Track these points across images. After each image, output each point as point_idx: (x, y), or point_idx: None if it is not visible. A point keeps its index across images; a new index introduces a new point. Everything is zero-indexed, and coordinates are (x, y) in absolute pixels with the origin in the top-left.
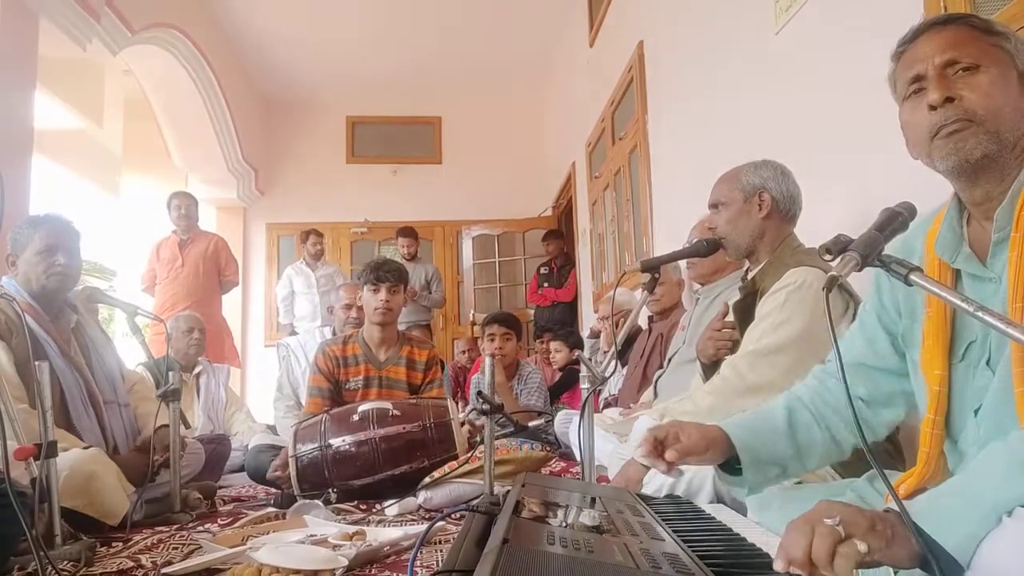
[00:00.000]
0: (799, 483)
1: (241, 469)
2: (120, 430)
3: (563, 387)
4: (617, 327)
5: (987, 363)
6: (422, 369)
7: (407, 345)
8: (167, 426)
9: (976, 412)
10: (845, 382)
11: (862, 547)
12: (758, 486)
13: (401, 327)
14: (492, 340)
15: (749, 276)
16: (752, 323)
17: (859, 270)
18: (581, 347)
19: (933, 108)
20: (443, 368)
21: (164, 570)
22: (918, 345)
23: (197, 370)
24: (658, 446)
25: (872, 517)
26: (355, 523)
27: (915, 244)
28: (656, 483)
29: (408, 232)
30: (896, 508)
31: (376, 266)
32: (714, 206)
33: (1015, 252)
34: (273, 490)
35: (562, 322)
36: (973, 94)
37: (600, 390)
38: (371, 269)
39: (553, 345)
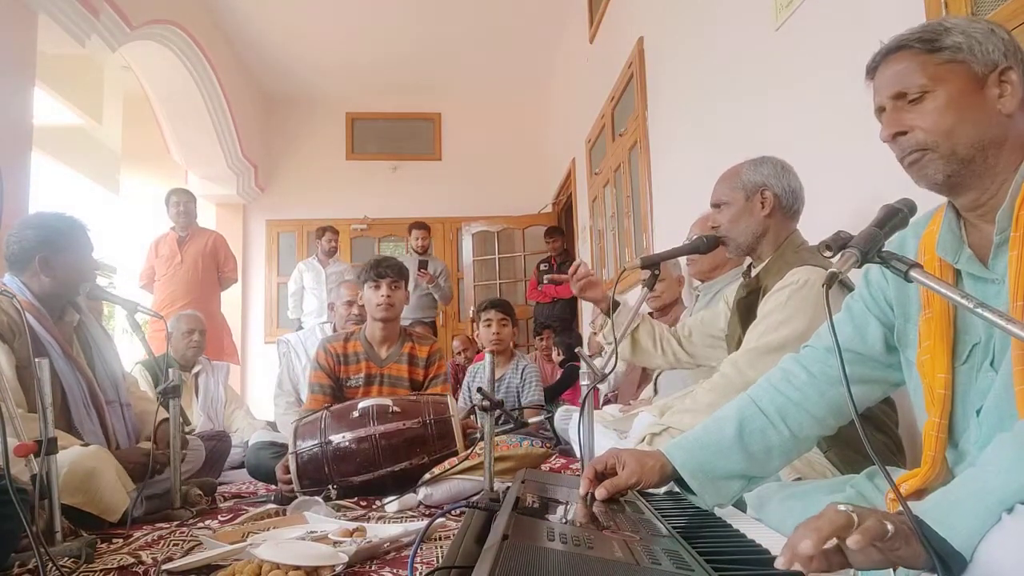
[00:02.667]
0: (798, 479)
1: (241, 466)
2: (122, 430)
3: (564, 385)
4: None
5: (991, 364)
6: (423, 365)
7: (408, 342)
8: (167, 420)
9: (978, 412)
10: (847, 386)
11: (889, 527)
12: (723, 501)
13: (406, 322)
14: (488, 326)
15: (752, 273)
16: (754, 321)
17: (859, 266)
18: (577, 346)
19: (888, 142)
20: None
21: (165, 566)
22: (913, 345)
23: (196, 369)
24: (598, 478)
25: (887, 513)
26: (355, 519)
27: (908, 245)
28: None
29: (421, 225)
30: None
31: (376, 263)
32: (716, 206)
33: (1015, 252)
34: (273, 487)
35: (562, 319)
36: (923, 123)
37: (599, 387)
38: (371, 266)
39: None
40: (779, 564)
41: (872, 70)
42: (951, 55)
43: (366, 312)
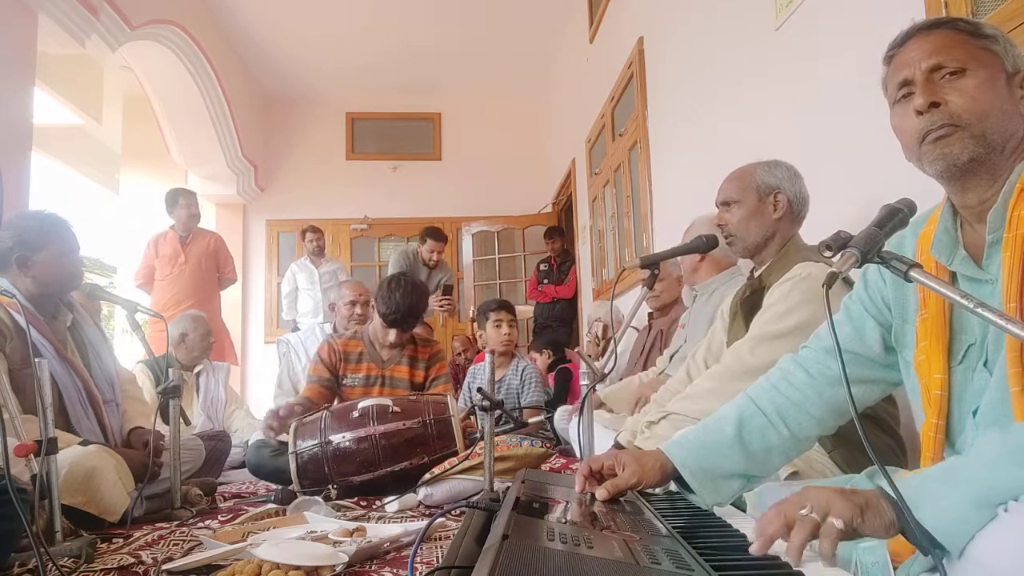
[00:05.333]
0: (795, 474)
1: (241, 466)
2: (120, 429)
3: (557, 396)
4: (604, 335)
5: (984, 365)
6: (424, 367)
7: (411, 344)
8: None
9: (974, 414)
10: (848, 387)
11: (838, 523)
12: (723, 500)
13: None
14: (499, 327)
15: (755, 274)
16: (757, 313)
17: (859, 266)
18: (559, 347)
19: (920, 113)
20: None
21: (165, 566)
22: (911, 346)
23: (198, 369)
24: (595, 476)
25: (841, 491)
26: (355, 519)
27: (906, 245)
28: None
29: (438, 235)
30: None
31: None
32: (725, 204)
33: (1008, 253)
34: (273, 486)
35: (561, 319)
36: (959, 98)
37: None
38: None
39: (536, 356)
40: (753, 550)
41: (898, 45)
42: (989, 44)
43: (368, 312)
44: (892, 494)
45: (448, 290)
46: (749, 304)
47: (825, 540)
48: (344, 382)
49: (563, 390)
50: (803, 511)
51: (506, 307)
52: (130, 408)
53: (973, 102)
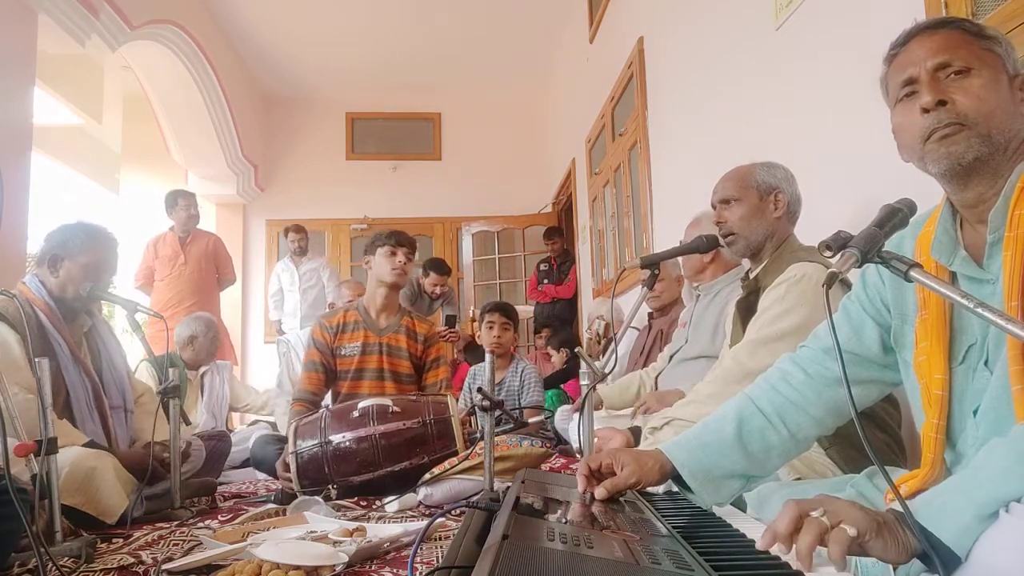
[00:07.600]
0: (798, 479)
1: (241, 465)
2: (124, 435)
3: (565, 375)
4: (605, 334)
5: (985, 364)
6: (422, 342)
7: (407, 316)
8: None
9: (975, 413)
10: (848, 387)
11: (851, 531)
12: (722, 500)
13: None
14: (491, 328)
15: (752, 275)
16: (753, 316)
17: (859, 266)
18: (572, 345)
19: (926, 111)
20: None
21: (164, 566)
22: (910, 346)
23: (203, 369)
24: (594, 475)
25: (860, 506)
26: (355, 519)
27: (905, 246)
28: None
29: (441, 267)
30: (896, 507)
31: (395, 232)
32: (724, 202)
33: (1009, 252)
34: (273, 486)
35: (561, 319)
36: (965, 97)
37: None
38: (390, 233)
39: (552, 353)
40: (760, 545)
41: (901, 44)
42: (992, 45)
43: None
44: (892, 489)
45: (452, 322)
46: (745, 306)
47: (835, 546)
48: (342, 352)
49: (573, 371)
50: (815, 513)
51: (501, 309)
52: (150, 424)
53: (979, 101)
